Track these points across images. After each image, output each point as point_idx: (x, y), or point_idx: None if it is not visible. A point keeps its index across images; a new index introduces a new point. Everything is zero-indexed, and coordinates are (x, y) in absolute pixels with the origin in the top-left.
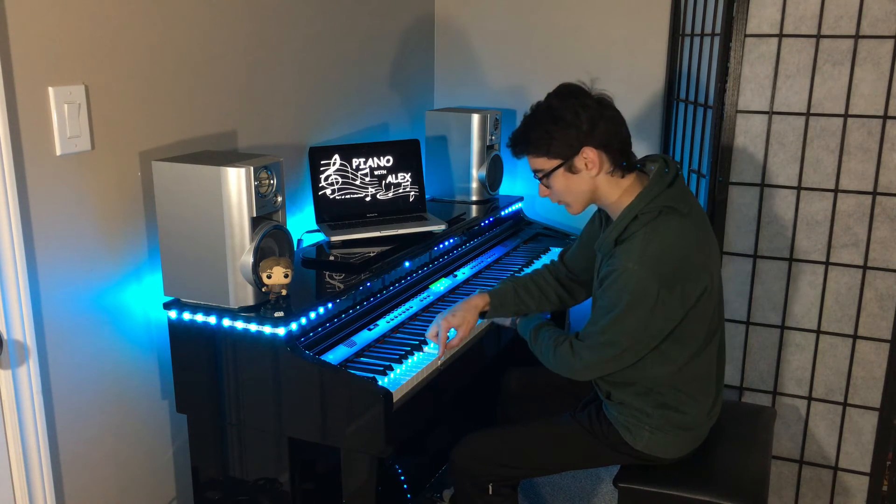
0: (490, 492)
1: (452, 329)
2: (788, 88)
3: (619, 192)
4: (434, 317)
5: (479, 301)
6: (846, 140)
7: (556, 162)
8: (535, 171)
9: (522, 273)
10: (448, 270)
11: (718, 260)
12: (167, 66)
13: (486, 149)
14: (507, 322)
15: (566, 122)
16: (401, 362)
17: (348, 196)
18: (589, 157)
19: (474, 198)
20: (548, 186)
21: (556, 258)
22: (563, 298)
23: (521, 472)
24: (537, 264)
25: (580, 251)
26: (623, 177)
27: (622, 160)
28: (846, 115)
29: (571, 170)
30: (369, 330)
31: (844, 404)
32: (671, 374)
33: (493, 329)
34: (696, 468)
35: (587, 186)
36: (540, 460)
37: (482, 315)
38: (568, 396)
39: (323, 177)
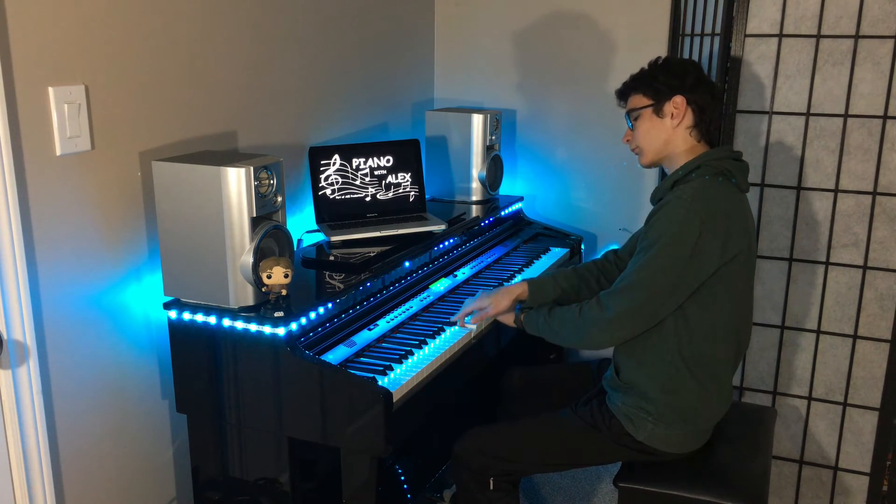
0: (491, 487)
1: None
2: (788, 88)
3: (686, 147)
4: (435, 317)
5: (516, 289)
6: (846, 140)
7: (648, 101)
8: (629, 112)
9: (523, 273)
10: (448, 270)
11: (756, 249)
12: (167, 66)
13: (486, 149)
14: (510, 320)
15: (673, 70)
16: (401, 362)
17: (348, 196)
18: (678, 104)
19: (474, 198)
20: (633, 128)
21: (605, 251)
22: (603, 287)
23: (522, 466)
24: (537, 264)
25: (633, 241)
26: (698, 141)
27: (704, 126)
28: (846, 115)
29: (659, 113)
30: (369, 330)
31: (844, 404)
32: (687, 350)
33: (493, 329)
34: (697, 468)
35: (665, 136)
36: (541, 454)
37: (521, 303)
38: (570, 395)
39: (323, 177)
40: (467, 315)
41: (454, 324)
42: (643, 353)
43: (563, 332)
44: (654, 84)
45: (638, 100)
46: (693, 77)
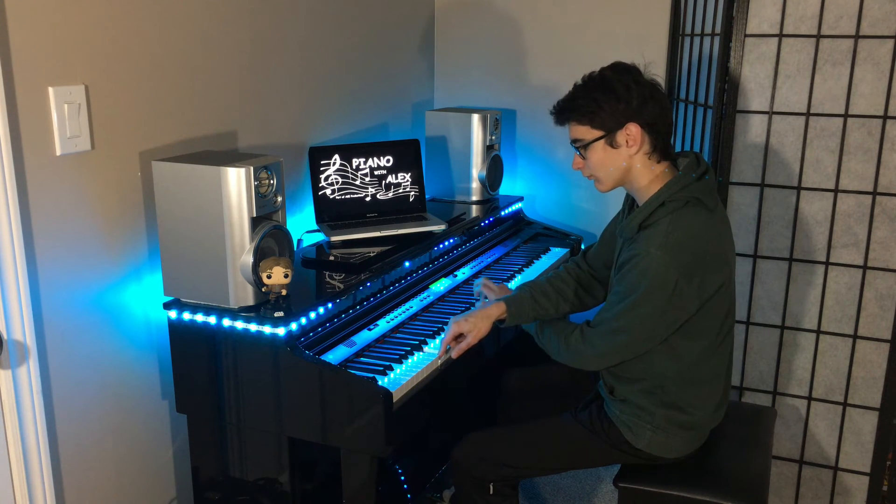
0: (491, 491)
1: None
2: (788, 88)
3: (650, 177)
4: (435, 317)
5: (494, 310)
6: (846, 140)
7: (598, 133)
8: (574, 141)
9: (523, 273)
10: (448, 270)
11: (734, 261)
12: (167, 66)
13: (486, 149)
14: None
15: (617, 94)
16: (401, 362)
17: (348, 196)
18: (632, 132)
19: (474, 198)
20: (584, 158)
21: (575, 257)
22: (582, 298)
23: (521, 471)
24: (537, 264)
25: (602, 247)
26: (658, 162)
27: (661, 145)
28: (846, 115)
29: (612, 143)
30: (369, 330)
31: (844, 404)
32: (679, 371)
33: (493, 329)
34: (697, 468)
35: (622, 164)
36: (540, 460)
37: (500, 322)
38: (569, 396)
39: (323, 177)
40: (448, 344)
41: (441, 355)
42: (634, 375)
43: (551, 349)
44: (599, 114)
45: (584, 131)
46: (637, 95)
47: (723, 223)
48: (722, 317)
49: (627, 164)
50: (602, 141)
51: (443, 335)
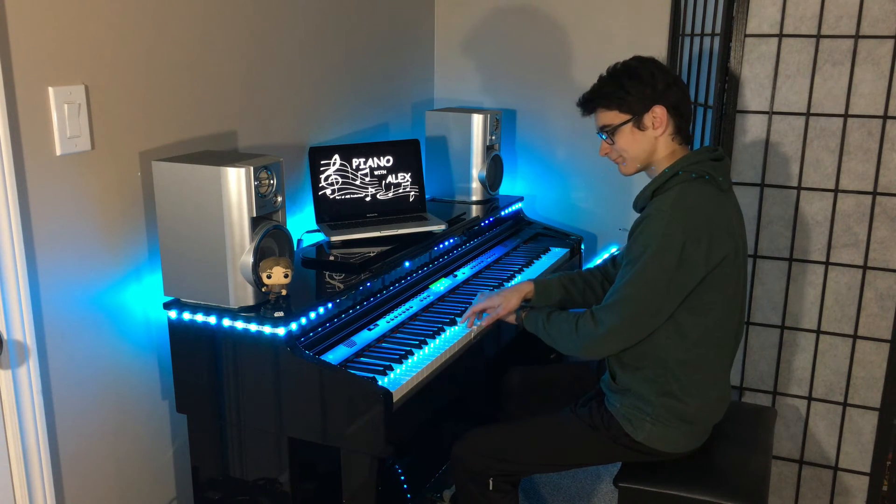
0: (490, 487)
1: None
2: (788, 88)
3: (668, 152)
4: (435, 317)
5: (524, 287)
6: (846, 140)
7: (625, 117)
8: (603, 127)
9: (523, 273)
10: (448, 270)
11: (744, 250)
12: (167, 66)
13: (486, 149)
14: (512, 318)
15: (642, 79)
16: (401, 362)
17: (348, 196)
18: (658, 115)
19: (474, 198)
20: (611, 143)
21: (606, 258)
22: (607, 292)
23: (521, 467)
24: (537, 264)
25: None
26: (679, 144)
27: (684, 128)
28: (846, 115)
29: (639, 126)
30: (369, 330)
31: (844, 404)
32: (682, 355)
33: (493, 328)
34: (697, 468)
35: (649, 146)
36: (541, 455)
37: (527, 301)
38: (569, 395)
39: (323, 177)
40: (475, 315)
41: (461, 323)
42: (637, 360)
43: (560, 340)
44: (626, 98)
45: (612, 116)
46: (662, 80)
47: (735, 210)
48: (727, 296)
49: (653, 145)
50: (630, 124)
51: (451, 329)
